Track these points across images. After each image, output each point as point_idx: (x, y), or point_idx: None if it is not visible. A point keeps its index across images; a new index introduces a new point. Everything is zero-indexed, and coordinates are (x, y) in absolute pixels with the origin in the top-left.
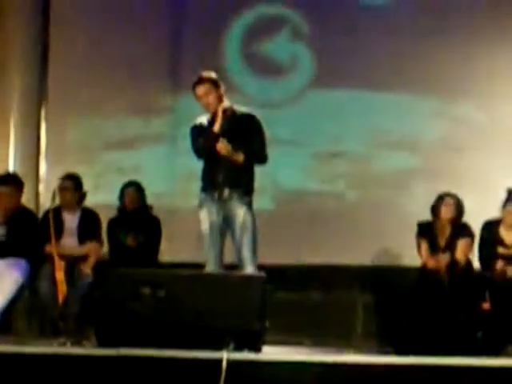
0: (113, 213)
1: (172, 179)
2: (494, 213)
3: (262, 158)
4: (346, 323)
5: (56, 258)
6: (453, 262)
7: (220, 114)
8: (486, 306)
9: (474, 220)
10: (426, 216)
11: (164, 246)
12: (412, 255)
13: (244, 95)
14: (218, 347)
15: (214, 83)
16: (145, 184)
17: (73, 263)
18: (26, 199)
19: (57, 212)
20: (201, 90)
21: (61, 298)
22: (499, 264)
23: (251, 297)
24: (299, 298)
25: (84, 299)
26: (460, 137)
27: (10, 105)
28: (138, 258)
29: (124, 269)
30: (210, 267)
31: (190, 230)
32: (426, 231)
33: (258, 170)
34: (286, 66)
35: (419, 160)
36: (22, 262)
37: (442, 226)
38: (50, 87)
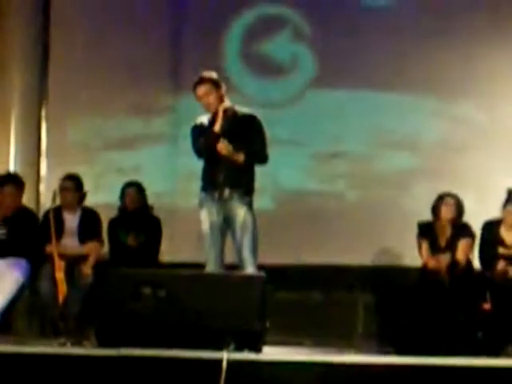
0: (113, 213)
1: (172, 179)
2: (494, 213)
3: (263, 159)
4: (346, 323)
5: (56, 258)
6: (453, 262)
7: (221, 114)
8: (487, 306)
9: (474, 220)
10: (427, 216)
11: (164, 245)
12: (412, 255)
13: (244, 95)
14: (219, 347)
15: (215, 83)
16: (145, 184)
17: (73, 263)
18: (26, 199)
19: (57, 212)
20: (201, 90)
21: (61, 298)
22: (500, 264)
23: (251, 297)
24: (300, 298)
25: (84, 299)
26: (461, 137)
27: (11, 105)
28: (139, 257)
29: (124, 269)
30: (211, 267)
31: (191, 230)
32: (426, 231)
33: (259, 170)
34: (286, 66)
35: (420, 160)
36: (23, 262)
37: (443, 226)
38: (51, 87)
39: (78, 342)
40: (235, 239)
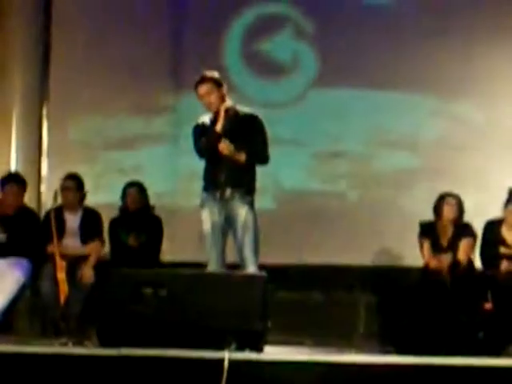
0: (114, 213)
1: (173, 179)
2: (494, 213)
3: (264, 158)
4: (347, 323)
5: (57, 258)
6: (455, 262)
7: (222, 113)
8: (488, 306)
9: (475, 220)
10: (427, 216)
11: (166, 245)
12: (413, 255)
13: (245, 95)
14: (220, 347)
15: (217, 82)
16: (146, 184)
17: (74, 263)
18: (27, 198)
19: (58, 212)
20: (203, 89)
21: (62, 298)
22: (504, 264)
23: (253, 296)
24: (301, 298)
25: (86, 299)
26: (461, 136)
27: (12, 105)
28: (140, 257)
29: (126, 269)
30: (212, 267)
31: (192, 230)
32: (428, 231)
33: (260, 169)
34: (287, 66)
35: (420, 160)
36: (24, 262)
37: (444, 226)
38: (52, 87)
39: (79, 342)
40: (236, 239)
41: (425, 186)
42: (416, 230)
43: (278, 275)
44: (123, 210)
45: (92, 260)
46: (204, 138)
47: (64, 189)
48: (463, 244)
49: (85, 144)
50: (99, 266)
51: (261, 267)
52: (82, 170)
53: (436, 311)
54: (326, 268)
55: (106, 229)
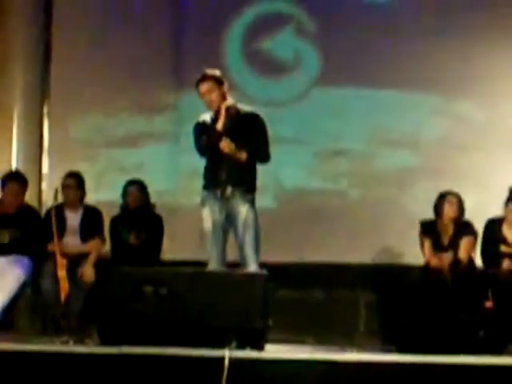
0: (115, 211)
1: (174, 177)
2: (495, 212)
3: (265, 157)
4: (348, 321)
5: (58, 256)
6: (456, 261)
7: (223, 112)
8: (489, 304)
9: (476, 219)
10: (428, 214)
11: (166, 244)
12: (414, 253)
13: (247, 94)
14: (221, 345)
15: (218, 81)
16: (147, 182)
17: (75, 262)
18: (28, 196)
19: (59, 210)
20: (204, 87)
21: (63, 296)
22: (506, 263)
23: (253, 295)
24: (302, 297)
25: (86, 297)
26: (462, 135)
27: (13, 103)
28: (141, 256)
29: (126, 267)
30: (213, 265)
31: (193, 228)
32: (428, 230)
33: (261, 168)
34: (289, 64)
35: (421, 158)
36: (25, 260)
37: (445, 225)
38: (53, 85)
39: (79, 340)
40: (237, 237)
41: (426, 184)
42: (417, 228)
43: (278, 274)
44: (124, 208)
45: (92, 258)
46: (205, 137)
47: (65, 187)
48: (464, 242)
49: (86, 142)
50: (100, 264)
51: (262, 266)
52: (82, 169)
53: (437, 310)
54: (326, 266)
55: (106, 227)
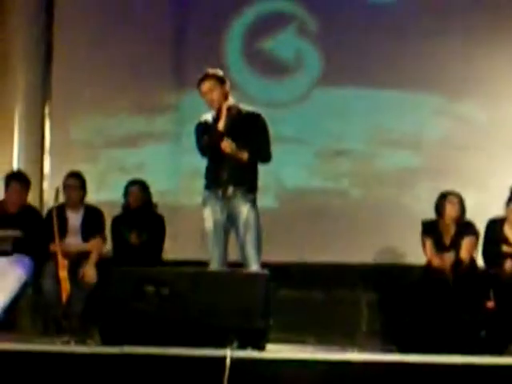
0: (116, 210)
1: (176, 177)
2: (496, 212)
3: (266, 157)
4: (349, 321)
5: (59, 257)
6: (457, 261)
7: (224, 111)
8: (490, 304)
9: (477, 219)
10: (430, 214)
11: (168, 243)
12: (415, 253)
13: (248, 94)
14: (222, 345)
15: (219, 80)
16: (148, 182)
17: (76, 262)
18: (30, 197)
19: (60, 210)
20: (205, 85)
21: (64, 296)
22: (508, 263)
23: (255, 295)
24: (303, 296)
25: (88, 298)
26: (463, 136)
27: (14, 104)
28: (142, 255)
29: (128, 267)
30: (214, 265)
31: (194, 228)
32: (430, 229)
33: (262, 168)
34: (291, 64)
35: (422, 158)
36: (26, 259)
37: (447, 225)
38: (54, 86)
39: (81, 340)
40: (239, 237)
41: (427, 185)
42: (418, 228)
43: (280, 273)
44: (126, 207)
45: (94, 258)
46: (206, 136)
47: (66, 186)
48: (466, 242)
49: (87, 143)
50: (101, 264)
51: (263, 265)
52: (84, 169)
53: (438, 310)
54: (328, 266)
55: (108, 227)
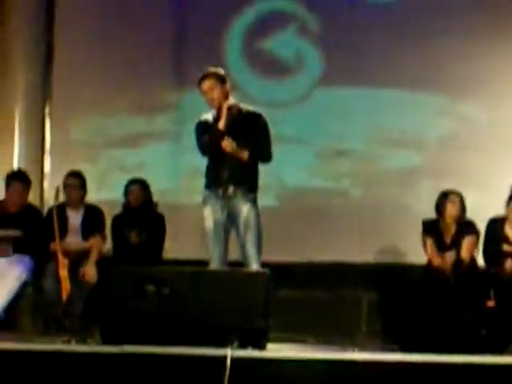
0: (117, 210)
1: (176, 176)
2: (497, 212)
3: (267, 157)
4: (350, 321)
5: (60, 256)
6: (458, 260)
7: (225, 110)
8: (491, 303)
9: (477, 218)
10: (430, 214)
11: (168, 243)
12: (416, 252)
13: (248, 94)
14: (222, 344)
15: (220, 79)
16: (149, 181)
17: (77, 261)
18: (30, 196)
19: (61, 209)
20: (206, 84)
21: (64, 295)
22: (509, 263)
23: (255, 294)
24: (303, 296)
25: (88, 297)
26: (464, 136)
27: (15, 103)
28: (142, 255)
29: (128, 266)
30: (214, 264)
31: (194, 228)
32: (431, 229)
33: (263, 167)
34: (291, 64)
35: (423, 158)
36: (26, 259)
37: (448, 224)
38: (54, 86)
39: (81, 340)
40: (239, 236)
41: (428, 184)
42: (419, 227)
43: (280, 273)
44: (126, 206)
45: (94, 256)
46: (207, 136)
47: (66, 186)
48: (466, 242)
49: (87, 142)
50: (102, 263)
51: (263, 265)
52: (84, 168)
53: (439, 309)
54: (328, 266)
55: (108, 226)
